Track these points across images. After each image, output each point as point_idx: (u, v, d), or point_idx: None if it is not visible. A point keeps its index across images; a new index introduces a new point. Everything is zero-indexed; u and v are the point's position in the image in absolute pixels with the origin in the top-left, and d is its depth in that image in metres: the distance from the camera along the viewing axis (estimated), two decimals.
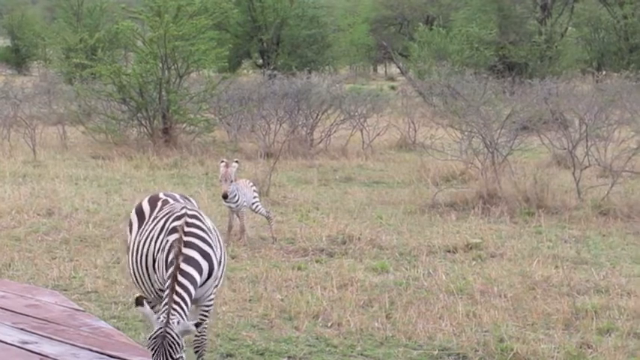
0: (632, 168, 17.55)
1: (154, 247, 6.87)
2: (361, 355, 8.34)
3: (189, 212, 6.84)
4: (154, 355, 6.04)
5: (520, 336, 8.72)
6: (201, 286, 6.69)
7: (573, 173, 16.63)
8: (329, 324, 9.14)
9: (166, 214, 7.04)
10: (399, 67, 57.67)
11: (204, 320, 7.14)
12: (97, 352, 7.54)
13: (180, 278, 6.39)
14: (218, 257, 6.89)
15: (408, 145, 25.29)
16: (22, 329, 8.07)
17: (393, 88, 45.98)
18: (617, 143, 19.55)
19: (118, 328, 8.64)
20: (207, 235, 6.78)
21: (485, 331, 8.89)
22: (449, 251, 12.44)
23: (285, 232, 13.54)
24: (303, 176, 19.67)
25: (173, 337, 6.04)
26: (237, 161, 13.12)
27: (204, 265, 6.64)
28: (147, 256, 6.92)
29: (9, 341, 7.71)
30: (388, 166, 21.57)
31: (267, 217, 13.44)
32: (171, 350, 6.03)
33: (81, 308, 9.14)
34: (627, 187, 16.88)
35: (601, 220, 14.62)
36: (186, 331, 6.11)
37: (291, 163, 21.55)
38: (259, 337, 8.69)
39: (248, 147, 23.80)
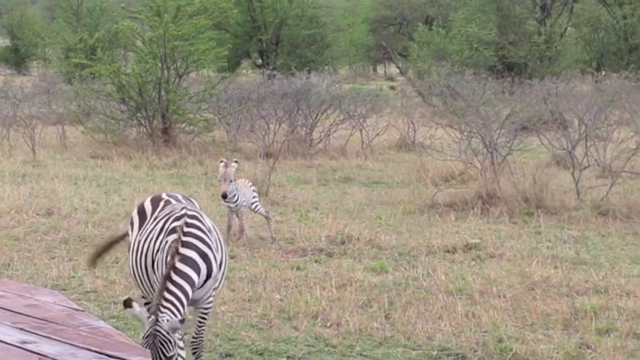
0: (631, 168, 17.55)
1: (154, 247, 6.87)
2: (360, 355, 8.34)
3: (189, 213, 6.84)
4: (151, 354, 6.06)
5: (519, 336, 8.72)
6: (200, 287, 6.68)
7: (572, 174, 16.63)
8: (328, 324, 9.14)
9: (167, 214, 7.04)
10: (398, 67, 57.69)
11: (203, 322, 7.14)
12: (96, 351, 7.54)
13: (174, 277, 6.37)
14: (218, 259, 6.88)
15: (407, 145, 25.30)
16: (21, 329, 8.07)
17: (392, 88, 46.00)
18: (616, 144, 19.54)
19: (117, 328, 8.64)
20: (207, 236, 6.77)
21: (485, 332, 8.89)
22: (448, 251, 12.44)
23: (285, 232, 13.54)
24: (303, 176, 19.67)
25: (164, 335, 6.03)
26: (236, 161, 13.12)
27: (202, 265, 6.63)
28: (146, 255, 6.92)
29: (8, 341, 7.71)
30: (387, 166, 21.58)
31: (267, 217, 13.45)
32: (163, 348, 6.02)
33: (80, 308, 9.14)
34: (626, 188, 16.87)
35: (600, 220, 14.62)
36: (175, 328, 6.09)
37: (291, 163, 21.55)
38: (258, 337, 8.69)
39: (247, 147, 23.81)
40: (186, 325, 6.25)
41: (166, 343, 6.03)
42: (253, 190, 13.43)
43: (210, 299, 7.01)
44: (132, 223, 7.47)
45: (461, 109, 19.75)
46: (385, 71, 73.86)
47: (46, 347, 7.60)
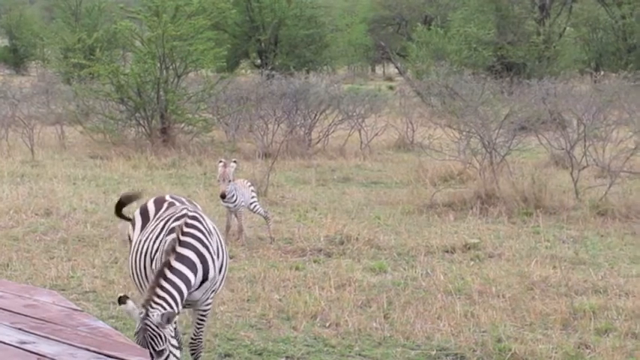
0: (630, 168, 17.56)
1: (153, 248, 6.87)
2: (359, 355, 8.34)
3: (190, 214, 6.84)
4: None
5: (518, 336, 8.72)
6: (197, 289, 6.67)
7: (571, 173, 16.64)
8: (327, 324, 9.13)
9: (168, 215, 7.05)
10: (397, 67, 57.71)
11: (202, 323, 7.14)
12: (94, 351, 7.53)
13: (168, 274, 6.36)
14: (218, 262, 6.86)
15: (406, 145, 25.31)
16: (20, 329, 8.06)
17: (391, 88, 46.03)
18: (615, 143, 19.53)
19: (116, 328, 8.63)
20: (207, 238, 6.75)
21: (483, 331, 8.89)
22: (447, 251, 12.44)
23: (283, 232, 13.54)
24: (301, 176, 19.67)
25: (153, 330, 6.02)
26: (235, 161, 13.12)
27: (200, 266, 6.61)
28: (146, 255, 6.92)
29: (7, 341, 7.70)
30: (386, 167, 21.58)
31: (265, 217, 13.44)
32: (153, 342, 6.02)
33: (79, 308, 9.13)
34: (625, 188, 16.89)
35: (599, 220, 14.62)
36: (165, 322, 6.06)
37: (289, 163, 21.55)
38: (257, 337, 8.69)
39: (246, 147, 23.81)
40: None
41: (156, 337, 6.02)
42: (252, 190, 13.43)
43: (209, 301, 7.00)
44: (133, 224, 7.47)
45: (460, 109, 19.74)
46: (384, 71, 73.89)
47: (45, 347, 7.59)
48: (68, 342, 7.73)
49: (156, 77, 24.32)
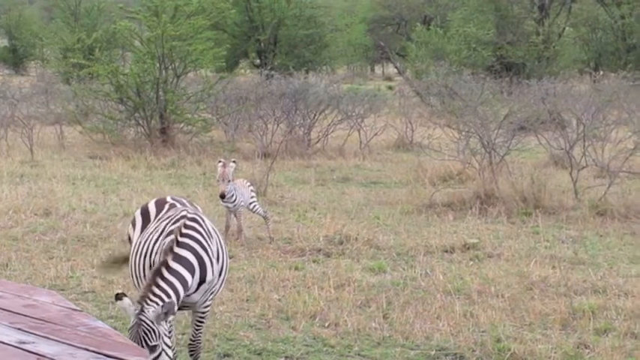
0: (629, 168, 17.56)
1: (153, 249, 6.87)
2: (358, 355, 8.34)
3: (189, 215, 6.84)
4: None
5: (517, 336, 8.73)
6: (195, 291, 6.67)
7: (571, 173, 16.64)
8: (326, 324, 9.13)
9: (169, 217, 7.05)
10: (396, 67, 57.76)
11: (201, 325, 7.14)
12: (94, 351, 7.53)
13: (165, 274, 6.36)
14: (218, 264, 6.85)
15: (405, 145, 25.30)
16: (19, 329, 8.07)
17: (390, 88, 46.03)
18: (614, 143, 19.54)
19: (115, 328, 8.61)
20: (205, 239, 6.75)
21: (483, 331, 8.89)
22: (446, 251, 12.44)
23: (283, 232, 13.53)
24: (301, 176, 19.67)
25: (147, 325, 6.02)
26: (234, 161, 13.12)
27: (197, 267, 6.60)
28: (145, 257, 6.93)
29: (6, 341, 7.70)
30: (385, 166, 21.58)
31: (265, 217, 13.44)
32: (146, 337, 6.02)
33: (78, 308, 9.11)
34: (624, 188, 16.89)
35: (598, 220, 14.62)
36: (160, 318, 6.06)
37: (289, 163, 21.55)
38: (256, 337, 8.69)
39: (245, 147, 23.81)
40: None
41: (150, 332, 6.02)
42: (251, 190, 13.43)
43: (208, 303, 7.00)
44: (134, 224, 7.47)
45: (459, 109, 19.74)
46: (383, 71, 73.92)
47: (44, 347, 7.59)
48: (67, 342, 7.73)
49: (155, 77, 24.31)
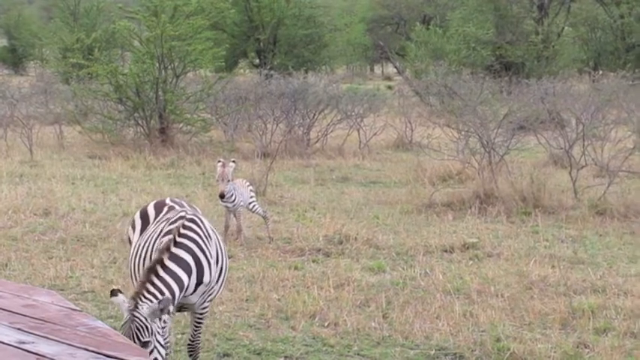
0: (628, 168, 17.57)
1: (151, 251, 6.87)
2: (358, 354, 8.34)
3: (188, 216, 6.84)
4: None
5: (517, 336, 8.73)
6: (193, 292, 6.66)
7: (570, 173, 16.64)
8: (326, 324, 9.13)
9: (167, 218, 7.06)
10: (395, 67, 57.77)
11: (199, 326, 7.14)
12: (93, 351, 7.52)
13: (160, 272, 6.36)
14: (217, 266, 6.85)
15: (404, 144, 25.30)
16: (18, 329, 8.06)
17: (389, 87, 46.01)
18: (613, 143, 19.55)
19: (114, 328, 8.58)
20: (203, 241, 6.74)
21: (482, 331, 8.89)
22: (446, 251, 12.44)
23: (282, 232, 13.54)
24: (300, 176, 19.67)
25: (141, 321, 6.01)
26: (234, 161, 13.12)
27: (194, 268, 6.59)
28: (144, 259, 6.93)
29: (6, 341, 7.70)
30: (385, 166, 21.58)
31: (264, 217, 13.44)
32: (138, 333, 6.01)
33: (78, 308, 9.10)
34: (624, 187, 16.90)
35: (598, 219, 14.62)
36: (154, 313, 6.09)
37: (288, 162, 21.55)
38: (256, 337, 8.69)
39: (245, 147, 23.81)
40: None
41: (142, 328, 6.01)
42: (251, 190, 13.43)
43: (206, 304, 7.00)
44: (133, 226, 7.48)
45: (458, 109, 19.74)
46: (382, 71, 73.95)
47: (44, 347, 7.59)
48: (67, 342, 7.73)
49: (154, 77, 24.31)
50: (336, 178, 19.61)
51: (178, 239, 6.57)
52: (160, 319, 6.12)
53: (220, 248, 6.98)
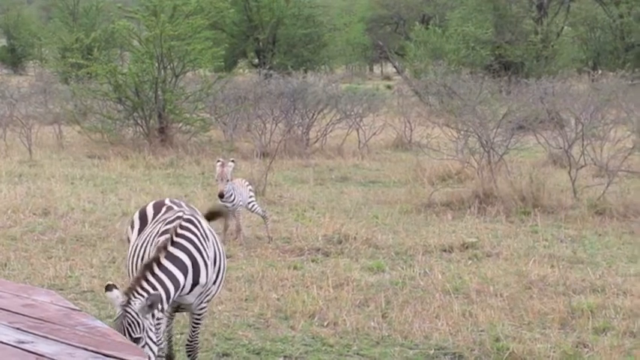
0: (628, 167, 17.56)
1: (149, 250, 6.87)
2: (357, 354, 8.34)
3: (185, 217, 6.84)
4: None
5: (516, 335, 8.73)
6: (190, 292, 6.66)
7: (569, 173, 16.64)
8: (325, 323, 9.13)
9: (165, 219, 7.06)
10: (395, 67, 57.76)
11: (197, 326, 7.14)
12: (92, 351, 7.51)
13: (156, 270, 6.35)
14: (215, 267, 6.85)
15: (404, 144, 25.29)
16: (18, 329, 8.05)
17: (389, 87, 45.98)
18: (613, 143, 19.56)
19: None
20: (200, 241, 6.73)
21: (482, 331, 8.89)
22: (445, 250, 12.44)
23: (281, 232, 13.53)
24: (299, 176, 19.66)
25: (132, 316, 6.01)
26: (233, 161, 13.12)
27: (190, 268, 6.59)
28: (141, 258, 6.93)
29: (5, 341, 7.69)
30: (384, 166, 21.57)
31: (264, 217, 13.44)
32: (130, 329, 6.00)
33: (77, 308, 9.10)
34: (623, 187, 16.90)
35: (597, 219, 14.62)
36: (146, 309, 6.06)
37: (287, 162, 21.55)
38: (255, 337, 8.69)
39: (244, 146, 23.80)
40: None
41: (134, 324, 6.01)
42: (250, 190, 13.43)
43: (204, 305, 6.99)
44: (132, 226, 7.48)
45: (457, 108, 19.73)
46: (382, 70, 73.88)
47: (43, 347, 7.58)
48: (66, 341, 7.72)
49: (154, 77, 24.31)
50: (335, 177, 19.61)
51: (175, 239, 6.58)
52: (153, 316, 6.11)
53: (218, 249, 6.97)
